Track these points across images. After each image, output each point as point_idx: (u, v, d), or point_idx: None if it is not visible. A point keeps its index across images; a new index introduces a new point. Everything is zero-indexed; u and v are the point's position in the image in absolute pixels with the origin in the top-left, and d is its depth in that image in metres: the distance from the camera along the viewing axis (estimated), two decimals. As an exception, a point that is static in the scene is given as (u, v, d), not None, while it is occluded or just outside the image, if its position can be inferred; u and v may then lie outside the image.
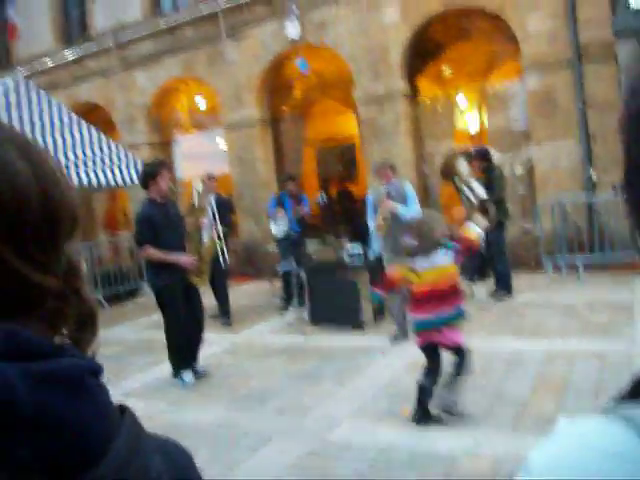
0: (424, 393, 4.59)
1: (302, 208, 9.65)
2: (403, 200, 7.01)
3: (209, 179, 8.76)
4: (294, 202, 9.71)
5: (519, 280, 9.10)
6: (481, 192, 8.23)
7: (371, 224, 7.30)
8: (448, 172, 8.40)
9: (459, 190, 8.31)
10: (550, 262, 9.68)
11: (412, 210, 6.99)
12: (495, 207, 8.40)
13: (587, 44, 9.93)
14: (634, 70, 0.62)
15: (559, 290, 8.88)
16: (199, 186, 8.14)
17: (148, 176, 6.27)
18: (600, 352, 5.87)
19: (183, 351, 6.39)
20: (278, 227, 9.60)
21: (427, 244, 4.64)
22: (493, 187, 8.48)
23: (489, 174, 8.67)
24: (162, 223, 6.16)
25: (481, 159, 8.72)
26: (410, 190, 7.22)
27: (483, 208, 8.28)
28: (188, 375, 6.32)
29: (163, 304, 6.31)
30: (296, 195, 9.87)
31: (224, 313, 8.89)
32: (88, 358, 0.70)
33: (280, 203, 9.76)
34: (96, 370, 0.68)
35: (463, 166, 8.54)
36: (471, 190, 8.22)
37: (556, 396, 4.87)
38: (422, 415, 4.58)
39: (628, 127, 0.60)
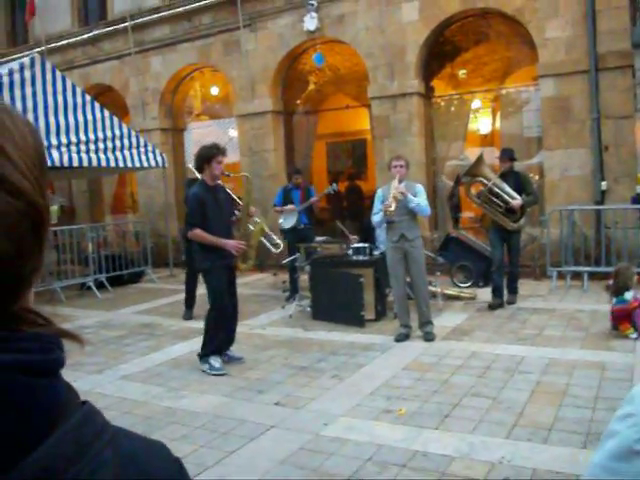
0: None
1: (311, 199, 9.66)
2: (413, 195, 6.99)
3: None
4: (302, 194, 9.72)
5: (523, 287, 9.10)
6: (513, 194, 8.24)
7: (375, 218, 7.25)
8: (473, 173, 8.41)
9: (486, 192, 8.29)
10: (555, 270, 9.66)
11: (423, 201, 6.98)
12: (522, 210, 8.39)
13: (605, 54, 9.89)
14: None
15: (563, 298, 8.87)
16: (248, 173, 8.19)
17: (203, 159, 6.32)
18: (600, 362, 5.86)
19: (219, 336, 6.37)
20: (286, 219, 9.61)
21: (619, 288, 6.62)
22: (525, 189, 8.47)
23: (516, 175, 8.62)
24: (212, 206, 6.24)
25: (507, 160, 8.61)
26: (421, 189, 7.18)
27: (510, 210, 8.29)
28: (217, 360, 6.28)
29: (209, 287, 6.37)
30: (304, 187, 9.88)
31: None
32: (25, 350, 0.61)
33: (287, 195, 9.77)
34: (26, 365, 0.60)
35: (488, 168, 8.56)
36: (501, 192, 8.23)
37: (553, 405, 4.86)
38: None
39: None
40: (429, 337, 7.00)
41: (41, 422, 0.60)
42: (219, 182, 6.52)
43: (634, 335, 6.53)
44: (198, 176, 8.31)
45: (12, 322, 0.62)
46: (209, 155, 6.27)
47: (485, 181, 8.38)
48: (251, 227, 7.26)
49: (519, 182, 8.51)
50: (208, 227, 6.18)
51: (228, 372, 6.19)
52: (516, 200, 8.24)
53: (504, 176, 8.48)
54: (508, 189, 8.33)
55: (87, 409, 0.66)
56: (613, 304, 6.73)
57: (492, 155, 10.44)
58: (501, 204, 8.31)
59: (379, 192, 7.26)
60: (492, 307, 8.39)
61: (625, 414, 0.99)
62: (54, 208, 14.61)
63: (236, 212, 6.89)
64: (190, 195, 6.46)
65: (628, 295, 6.65)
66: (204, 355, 6.34)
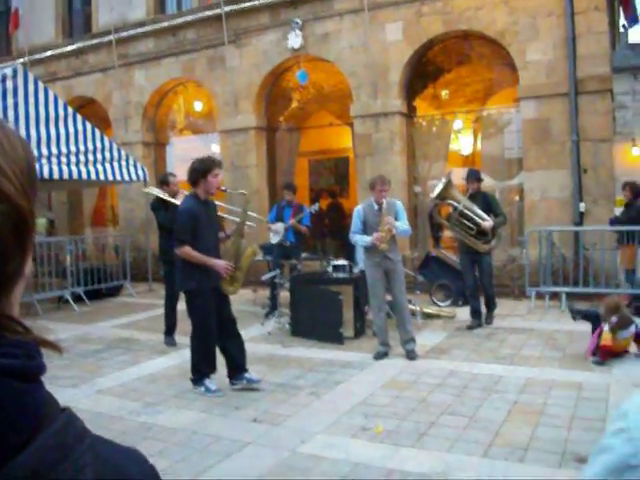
0: None
1: (302, 226, 9.54)
2: (394, 217, 6.99)
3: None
4: (293, 212, 9.70)
5: (501, 306, 9.14)
6: (484, 216, 8.22)
7: (355, 238, 7.21)
8: (443, 196, 8.39)
9: (456, 215, 8.28)
10: (534, 290, 9.72)
11: (404, 225, 7.00)
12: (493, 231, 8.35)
13: (584, 78, 10.05)
14: None
15: (541, 318, 8.93)
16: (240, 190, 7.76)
17: (198, 172, 5.98)
18: (577, 382, 5.90)
19: (208, 359, 6.10)
20: (274, 236, 9.60)
21: (626, 321, 6.58)
22: (494, 210, 8.45)
23: (484, 196, 8.58)
24: (204, 222, 5.95)
25: (474, 181, 8.60)
26: (401, 207, 7.21)
27: (481, 232, 8.26)
28: (212, 383, 6.04)
29: (192, 308, 6.04)
30: (296, 205, 9.86)
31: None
32: (11, 355, 0.63)
33: (280, 212, 9.75)
34: (12, 369, 0.62)
35: (457, 190, 8.57)
36: (472, 215, 8.21)
37: (530, 424, 4.87)
38: None
39: None
40: (412, 355, 6.98)
41: (27, 425, 0.62)
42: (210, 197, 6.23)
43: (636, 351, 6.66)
44: (162, 196, 8.23)
45: None
46: (205, 168, 5.96)
47: (455, 204, 8.35)
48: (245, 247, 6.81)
49: (487, 203, 8.47)
50: (198, 244, 5.86)
51: (224, 393, 6.09)
52: (487, 222, 8.20)
53: (472, 197, 8.43)
54: (478, 211, 8.30)
55: (68, 414, 0.68)
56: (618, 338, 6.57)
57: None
58: (472, 226, 8.29)
59: (359, 209, 7.23)
60: (470, 327, 8.41)
61: (618, 429, 1.01)
62: (42, 221, 14.51)
63: (222, 233, 6.54)
64: (182, 210, 6.06)
65: (632, 327, 6.59)
66: (198, 379, 6.09)
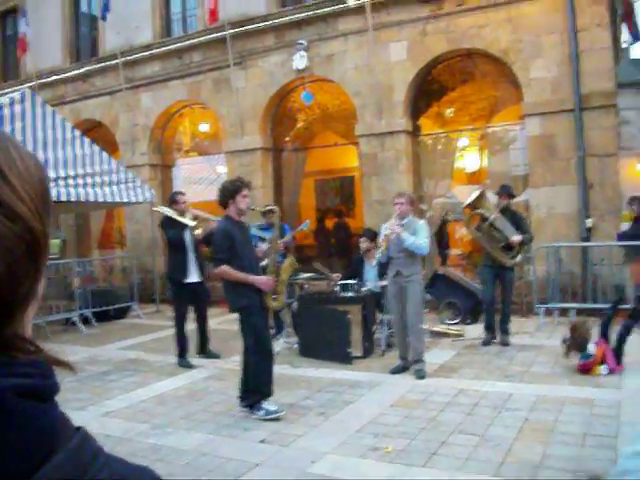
0: None
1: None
2: (412, 233, 7.04)
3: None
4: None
5: (511, 324, 9.08)
6: (512, 230, 8.24)
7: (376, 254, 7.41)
8: (475, 205, 8.41)
9: (486, 226, 8.28)
10: (542, 307, 9.67)
11: (419, 240, 7.00)
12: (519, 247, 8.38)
13: (589, 94, 10.07)
14: None
15: (550, 335, 8.87)
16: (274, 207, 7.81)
17: (228, 194, 5.99)
18: (588, 399, 5.85)
19: (267, 379, 5.95)
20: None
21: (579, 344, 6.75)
22: (521, 227, 8.46)
23: (512, 213, 8.60)
24: (241, 241, 5.93)
25: (506, 196, 8.56)
26: (421, 226, 7.17)
27: (508, 247, 8.28)
28: (271, 404, 5.87)
29: (246, 326, 5.92)
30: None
31: None
32: (27, 375, 0.64)
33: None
34: (29, 389, 0.63)
35: (488, 201, 8.58)
36: (499, 228, 8.25)
37: (542, 442, 4.83)
38: None
39: None
40: (419, 374, 6.96)
41: (43, 445, 0.63)
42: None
43: (605, 371, 6.64)
44: (171, 215, 8.26)
45: (7, 348, 0.64)
46: (234, 190, 5.97)
47: (486, 214, 8.37)
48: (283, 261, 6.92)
49: (516, 220, 8.52)
50: (240, 264, 5.82)
51: (211, 409, 6.09)
52: (517, 237, 8.24)
53: (502, 212, 8.45)
54: (508, 225, 8.33)
55: (84, 433, 0.69)
56: (580, 362, 6.80)
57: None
58: (501, 239, 8.32)
59: (382, 227, 7.39)
60: (485, 343, 8.39)
61: (636, 452, 0.99)
62: (55, 242, 14.56)
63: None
64: (217, 231, 6.07)
65: (591, 348, 6.74)
66: (256, 402, 5.87)
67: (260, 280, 5.93)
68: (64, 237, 15.94)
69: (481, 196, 8.46)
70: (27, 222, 0.64)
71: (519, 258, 8.43)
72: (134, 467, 0.73)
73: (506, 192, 8.60)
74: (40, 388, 0.64)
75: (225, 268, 5.81)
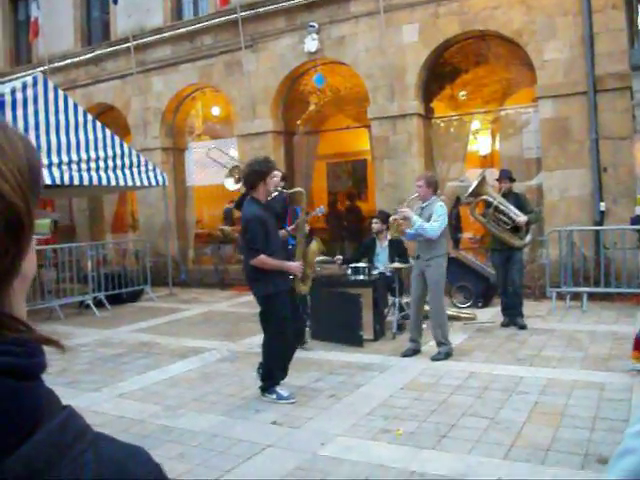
0: None
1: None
2: (428, 215, 7.05)
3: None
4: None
5: (522, 307, 9.07)
6: (517, 212, 8.28)
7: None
8: (477, 193, 8.46)
9: (492, 210, 8.30)
10: (554, 291, 9.64)
11: (428, 224, 6.98)
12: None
13: (603, 76, 9.96)
14: None
15: (562, 319, 8.86)
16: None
17: (258, 176, 5.71)
18: (599, 383, 5.84)
19: (283, 364, 5.95)
20: None
21: None
22: (525, 208, 8.50)
23: (515, 196, 8.67)
24: (271, 225, 5.75)
25: (507, 180, 8.68)
26: (438, 208, 7.10)
27: (515, 228, 8.32)
28: (284, 390, 5.87)
29: (270, 313, 5.78)
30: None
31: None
32: (9, 353, 0.63)
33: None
34: (10, 367, 0.62)
35: (491, 187, 8.63)
36: (504, 211, 8.29)
37: (552, 425, 4.83)
38: None
39: None
40: (436, 357, 6.99)
41: (24, 423, 0.62)
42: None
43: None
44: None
45: None
46: (265, 170, 5.73)
47: (490, 199, 8.41)
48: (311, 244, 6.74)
49: (519, 202, 8.54)
50: (270, 250, 5.65)
51: (223, 391, 6.15)
52: (522, 217, 8.26)
53: (504, 196, 8.53)
54: (512, 207, 8.37)
55: (68, 412, 0.68)
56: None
57: (492, 177, 10.46)
58: (508, 221, 8.35)
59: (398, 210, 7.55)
60: (504, 324, 8.50)
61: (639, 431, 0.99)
62: (45, 221, 14.58)
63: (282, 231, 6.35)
64: (250, 217, 5.71)
65: None
66: (269, 386, 5.88)
67: (294, 267, 5.88)
68: (57, 218, 15.94)
69: (482, 182, 8.48)
70: (8, 198, 0.64)
71: (528, 238, 8.48)
72: (126, 447, 0.72)
73: (506, 176, 8.72)
74: (23, 366, 0.64)
75: (263, 258, 5.62)
